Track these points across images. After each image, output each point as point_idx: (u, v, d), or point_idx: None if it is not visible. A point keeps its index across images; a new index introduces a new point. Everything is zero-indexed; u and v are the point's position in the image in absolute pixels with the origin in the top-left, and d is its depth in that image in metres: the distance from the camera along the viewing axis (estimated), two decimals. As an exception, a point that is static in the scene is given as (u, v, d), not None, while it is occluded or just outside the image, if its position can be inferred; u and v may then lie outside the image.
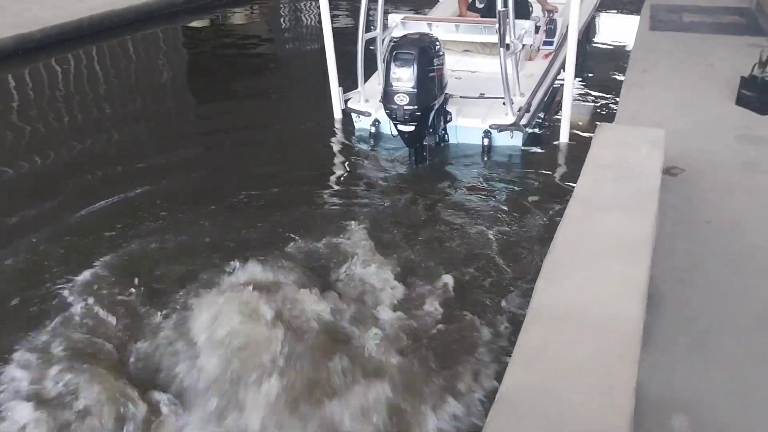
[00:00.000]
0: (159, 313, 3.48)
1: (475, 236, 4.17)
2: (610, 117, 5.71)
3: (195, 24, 10.42)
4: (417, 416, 2.81)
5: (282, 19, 11.46)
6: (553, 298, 2.32)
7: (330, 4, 5.67)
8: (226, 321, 3.23)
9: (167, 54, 9.07)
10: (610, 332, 2.13)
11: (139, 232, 4.27)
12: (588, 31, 8.29)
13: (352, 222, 4.27)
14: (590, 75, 7.23)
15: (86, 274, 3.77)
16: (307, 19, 11.29)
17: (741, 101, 5.21)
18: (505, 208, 4.55)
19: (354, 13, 9.97)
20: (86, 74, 7.78)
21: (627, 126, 4.44)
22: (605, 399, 1.86)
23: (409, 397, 2.89)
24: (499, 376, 2.86)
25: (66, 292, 3.65)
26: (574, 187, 4.67)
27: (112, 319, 3.44)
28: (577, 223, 2.82)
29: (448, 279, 3.68)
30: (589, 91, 6.70)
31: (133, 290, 3.66)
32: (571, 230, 2.75)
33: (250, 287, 3.50)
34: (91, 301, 3.56)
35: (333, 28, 5.78)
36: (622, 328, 2.12)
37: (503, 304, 3.50)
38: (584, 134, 5.58)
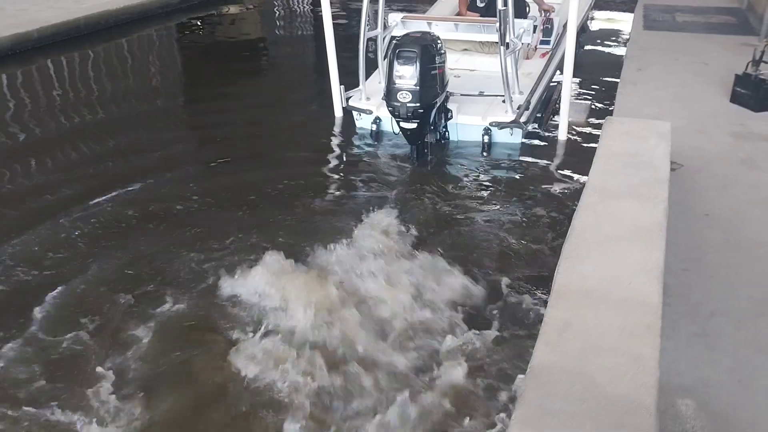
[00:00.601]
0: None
1: (478, 230, 4.23)
2: (606, 114, 5.79)
3: (191, 20, 10.45)
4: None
5: (276, 10, 11.54)
6: (574, 280, 2.41)
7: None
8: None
9: (163, 53, 9.08)
10: (631, 310, 2.22)
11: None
12: (583, 30, 8.38)
13: (353, 219, 4.30)
14: (586, 73, 7.31)
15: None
16: (300, 9, 11.35)
17: (735, 98, 5.32)
18: (507, 203, 4.61)
19: (345, 11, 10.05)
20: (86, 73, 7.78)
21: (634, 119, 4.54)
22: (630, 374, 1.94)
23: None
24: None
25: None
26: (573, 181, 4.79)
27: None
28: (592, 209, 2.92)
29: (455, 271, 3.74)
30: (586, 90, 6.78)
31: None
32: (587, 216, 2.85)
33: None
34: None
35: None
36: (643, 307, 2.21)
37: (518, 288, 3.59)
38: (581, 131, 5.68)
